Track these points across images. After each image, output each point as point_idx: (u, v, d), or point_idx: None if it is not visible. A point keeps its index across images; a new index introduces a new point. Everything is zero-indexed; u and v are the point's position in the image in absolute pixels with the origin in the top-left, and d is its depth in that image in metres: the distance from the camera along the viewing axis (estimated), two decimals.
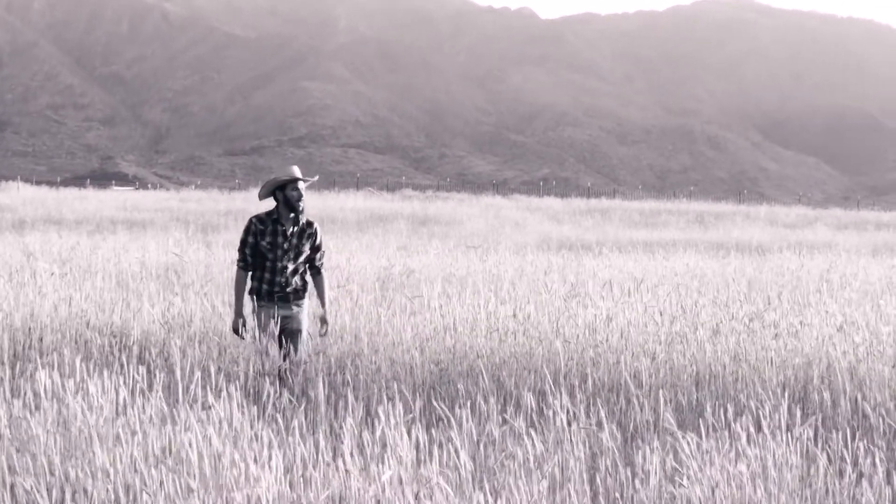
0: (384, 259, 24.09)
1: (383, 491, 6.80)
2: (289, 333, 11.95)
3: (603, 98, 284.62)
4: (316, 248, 12.25)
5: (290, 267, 12.00)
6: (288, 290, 12.01)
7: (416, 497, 6.97)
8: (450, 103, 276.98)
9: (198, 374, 9.02)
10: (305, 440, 7.82)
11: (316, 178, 12.74)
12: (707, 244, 42.62)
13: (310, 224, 12.25)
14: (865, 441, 9.44)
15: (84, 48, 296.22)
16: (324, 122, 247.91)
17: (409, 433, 7.75)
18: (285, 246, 12.01)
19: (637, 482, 7.71)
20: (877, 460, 7.86)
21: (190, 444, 7.13)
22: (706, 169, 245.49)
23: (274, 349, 11.50)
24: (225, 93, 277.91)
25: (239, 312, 12.01)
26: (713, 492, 7.46)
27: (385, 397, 10.41)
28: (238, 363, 12.09)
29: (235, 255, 25.59)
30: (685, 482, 7.45)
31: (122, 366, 11.01)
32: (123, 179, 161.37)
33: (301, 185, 12.01)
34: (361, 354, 12.60)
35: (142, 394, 8.56)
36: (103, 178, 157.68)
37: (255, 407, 8.50)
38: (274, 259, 11.99)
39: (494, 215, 63.83)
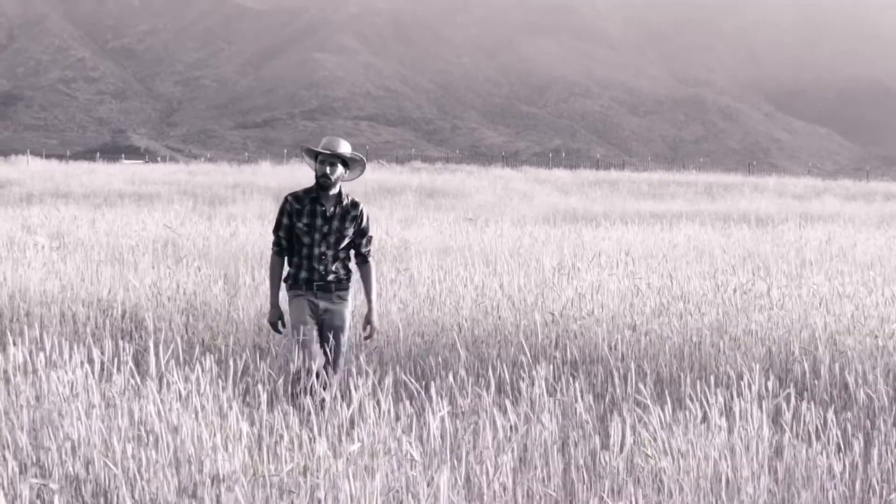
0: (382, 231, 24.13)
1: (350, 463, 6.83)
2: (328, 329, 10.54)
3: (614, 69, 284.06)
4: (361, 233, 10.70)
5: (330, 253, 10.53)
6: (329, 278, 10.52)
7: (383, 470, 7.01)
8: (461, 75, 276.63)
9: (172, 346, 9.04)
10: (277, 413, 7.82)
11: (358, 157, 10.77)
12: (713, 215, 42.65)
13: (355, 205, 10.68)
14: (845, 413, 9.47)
15: (95, 21, 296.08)
16: (335, 95, 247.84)
17: (381, 405, 7.77)
18: (324, 229, 10.54)
19: (606, 454, 7.73)
20: (844, 431, 7.88)
21: (158, 417, 7.17)
22: (718, 140, 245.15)
23: (314, 345, 10.34)
24: (236, 65, 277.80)
25: (275, 304, 10.62)
26: (681, 463, 7.49)
27: (365, 369, 10.42)
28: (220, 336, 12.11)
29: (235, 228, 25.72)
30: (650, 453, 7.47)
31: (103, 338, 11.04)
32: (135, 153, 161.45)
33: (340, 169, 10.56)
34: None
35: (116, 367, 8.57)
36: (115, 151, 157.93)
37: (227, 379, 8.51)
38: (311, 244, 10.54)
39: (503, 187, 63.88)
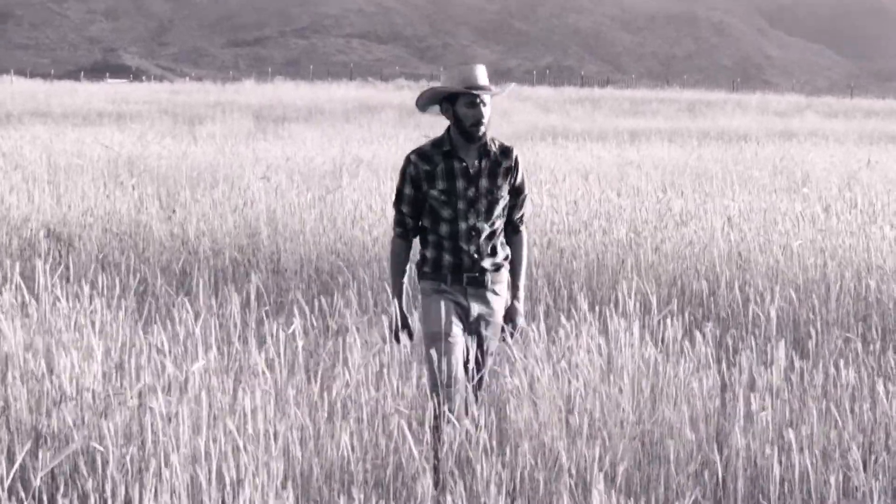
0: (337, 148, 24.14)
1: (199, 378, 6.85)
2: (480, 345, 7.55)
3: None
4: (517, 191, 7.59)
5: (485, 229, 7.43)
6: (484, 264, 7.43)
7: (239, 383, 7.06)
8: None
9: (61, 267, 9.08)
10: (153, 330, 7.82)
11: (510, 86, 8.42)
12: (690, 133, 42.66)
13: (506, 152, 7.58)
14: (734, 330, 9.53)
15: None
16: (326, 12, 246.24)
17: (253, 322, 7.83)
18: (470, 193, 7.40)
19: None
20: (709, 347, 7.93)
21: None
22: (710, 56, 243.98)
23: (460, 370, 7.35)
24: None
25: (400, 309, 7.48)
26: (547, 379, 7.49)
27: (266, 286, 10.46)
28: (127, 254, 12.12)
29: (186, 147, 25.54)
30: (511, 372, 7.51)
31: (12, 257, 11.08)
32: (126, 72, 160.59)
33: (487, 98, 7.44)
34: (261, 243, 12.69)
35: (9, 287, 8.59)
36: (106, 70, 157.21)
37: (113, 297, 8.53)
38: (453, 217, 7.39)
39: None
